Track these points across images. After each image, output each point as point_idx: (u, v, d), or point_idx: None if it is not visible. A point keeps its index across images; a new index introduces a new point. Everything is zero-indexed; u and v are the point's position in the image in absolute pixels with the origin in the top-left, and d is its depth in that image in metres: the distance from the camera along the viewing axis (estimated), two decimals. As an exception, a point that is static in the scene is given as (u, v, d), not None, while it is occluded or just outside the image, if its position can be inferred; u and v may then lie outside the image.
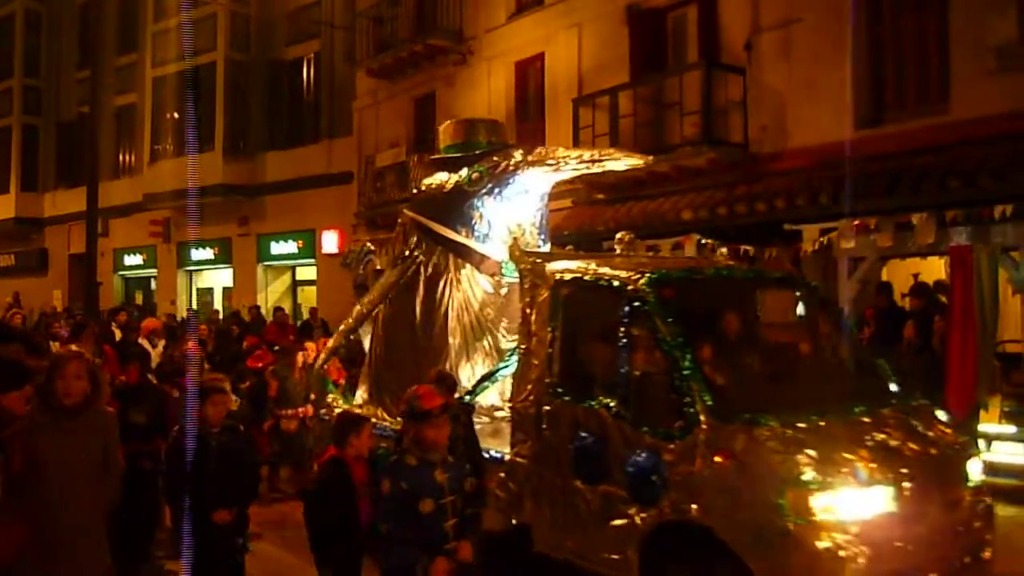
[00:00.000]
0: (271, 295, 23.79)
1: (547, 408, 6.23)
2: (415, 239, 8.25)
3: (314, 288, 22.77)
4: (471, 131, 8.66)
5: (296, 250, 22.93)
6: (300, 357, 10.49)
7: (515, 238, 7.25)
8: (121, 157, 27.93)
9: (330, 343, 9.37)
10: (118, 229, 27.04)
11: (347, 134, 21.27)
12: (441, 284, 7.88)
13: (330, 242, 21.47)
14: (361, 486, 5.22)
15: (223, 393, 5.80)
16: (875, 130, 11.54)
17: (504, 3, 17.38)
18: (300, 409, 10.03)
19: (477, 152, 8.14)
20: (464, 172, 7.92)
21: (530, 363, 6.46)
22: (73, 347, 4.83)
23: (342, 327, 8.98)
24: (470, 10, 17.95)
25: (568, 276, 6.47)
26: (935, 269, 10.94)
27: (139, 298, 27.85)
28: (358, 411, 7.86)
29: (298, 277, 24.12)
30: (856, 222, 10.28)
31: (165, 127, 24.57)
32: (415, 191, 8.74)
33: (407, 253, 8.29)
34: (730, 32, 13.39)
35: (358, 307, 8.81)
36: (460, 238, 7.85)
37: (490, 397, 7.72)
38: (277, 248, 23.41)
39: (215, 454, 5.55)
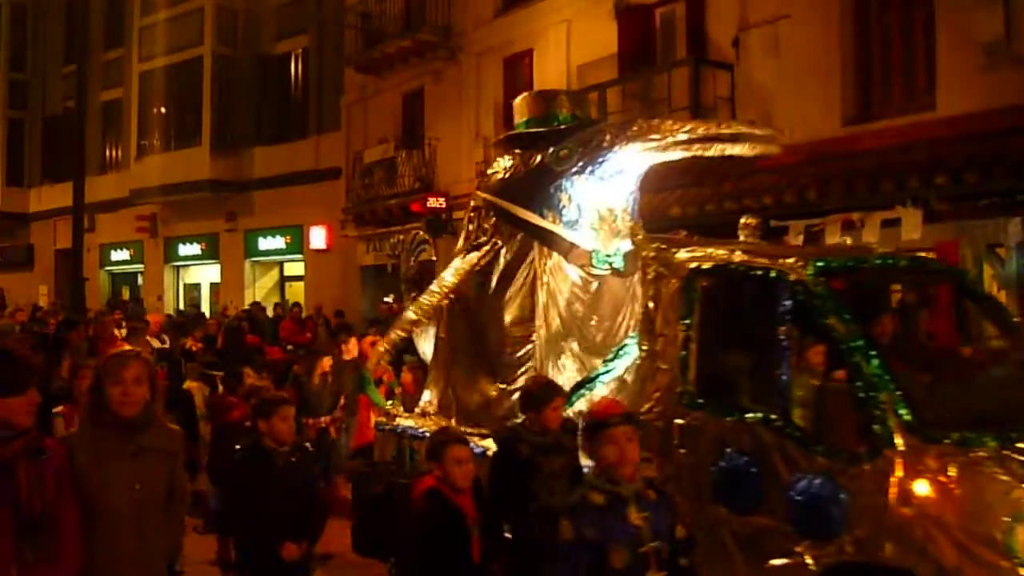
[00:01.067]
0: (259, 291, 23.74)
1: (680, 422, 5.26)
2: (491, 224, 7.11)
3: (302, 284, 22.73)
4: (552, 103, 7.42)
5: (284, 246, 22.88)
6: (325, 361, 9.42)
7: (635, 222, 6.37)
8: (107, 152, 27.81)
9: (384, 342, 8.12)
10: (104, 224, 26.91)
11: (335, 129, 21.22)
12: (523, 276, 6.81)
13: (318, 238, 21.43)
14: (472, 522, 4.46)
15: (290, 405, 5.11)
16: (862, 126, 11.56)
17: (492, -1, 17.38)
18: (323, 418, 9.25)
19: (562, 127, 7.08)
20: (551, 149, 6.81)
21: (654, 368, 5.49)
22: (126, 345, 4.24)
23: (402, 322, 7.75)
24: (458, 6, 17.93)
25: (707, 265, 5.45)
26: (921, 265, 10.99)
27: (126, 294, 27.75)
28: (422, 421, 7.13)
29: (286, 273, 24.08)
30: (842, 218, 10.31)
31: (152, 122, 24.50)
32: (488, 172, 7.63)
33: (483, 238, 7.16)
34: (718, 28, 13.39)
35: (424, 301, 7.47)
36: (546, 224, 6.72)
37: (578, 406, 6.45)
38: (265, 244, 23.34)
39: (281, 476, 4.91)
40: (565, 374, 6.47)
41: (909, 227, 9.86)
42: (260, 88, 23.31)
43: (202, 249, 24.98)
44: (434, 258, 8.78)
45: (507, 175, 7.12)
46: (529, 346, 6.67)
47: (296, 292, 22.91)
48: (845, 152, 11.18)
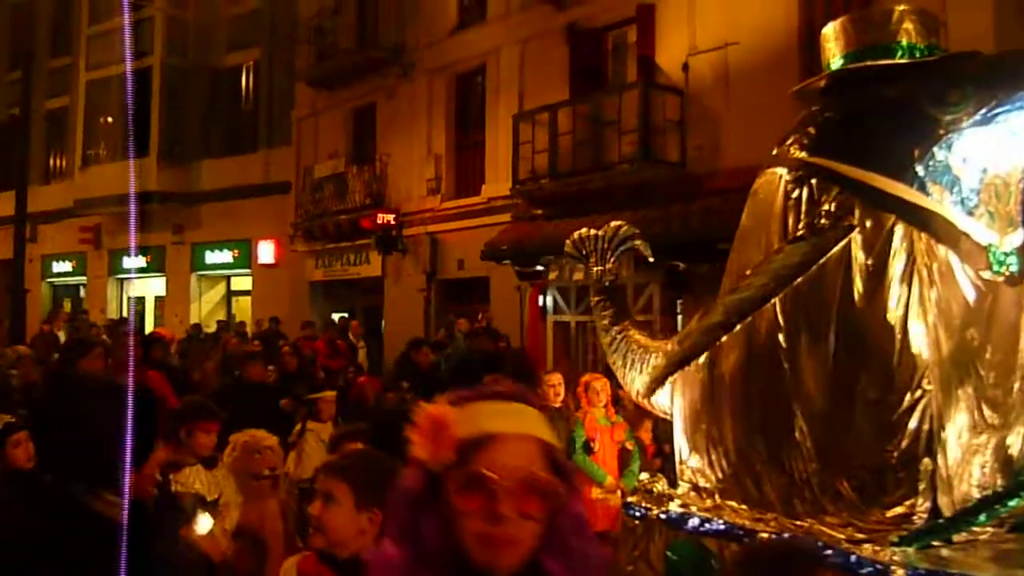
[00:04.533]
0: (205, 305, 23.47)
1: None
2: (834, 201, 4.43)
3: (249, 299, 22.52)
4: (889, 29, 4.64)
5: (231, 260, 22.66)
6: None
7: None
8: (52, 161, 27.33)
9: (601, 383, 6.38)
10: (47, 235, 26.42)
11: (285, 144, 21.11)
12: (897, 282, 4.23)
13: (266, 252, 21.29)
14: None
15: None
16: (807, 152, 11.80)
17: (446, 17, 17.45)
18: None
19: (924, 58, 4.50)
20: (931, 91, 4.32)
21: None
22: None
23: (657, 352, 5.13)
24: (412, 23, 17.98)
25: None
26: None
27: (67, 306, 27.23)
28: (703, 503, 4.65)
29: (233, 287, 23.83)
30: (787, 242, 10.47)
31: (98, 132, 24.15)
32: (805, 125, 4.88)
33: (821, 222, 4.45)
34: (668, 53, 13.60)
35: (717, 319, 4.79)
36: (931, 204, 4.23)
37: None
38: (212, 257, 23.09)
39: None
40: (961, 437, 4.11)
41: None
42: (210, 100, 23.09)
43: (147, 262, 24.63)
44: (649, 256, 6.45)
45: (846, 130, 4.67)
46: (913, 389, 4.17)
47: (243, 307, 22.70)
48: (790, 177, 11.40)
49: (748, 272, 4.46)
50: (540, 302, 14.29)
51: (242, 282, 23.17)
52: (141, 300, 26.07)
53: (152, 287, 25.54)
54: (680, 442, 4.88)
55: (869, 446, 4.16)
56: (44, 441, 2.76)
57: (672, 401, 4.94)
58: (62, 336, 14.30)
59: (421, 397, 8.70)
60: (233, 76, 22.80)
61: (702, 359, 4.73)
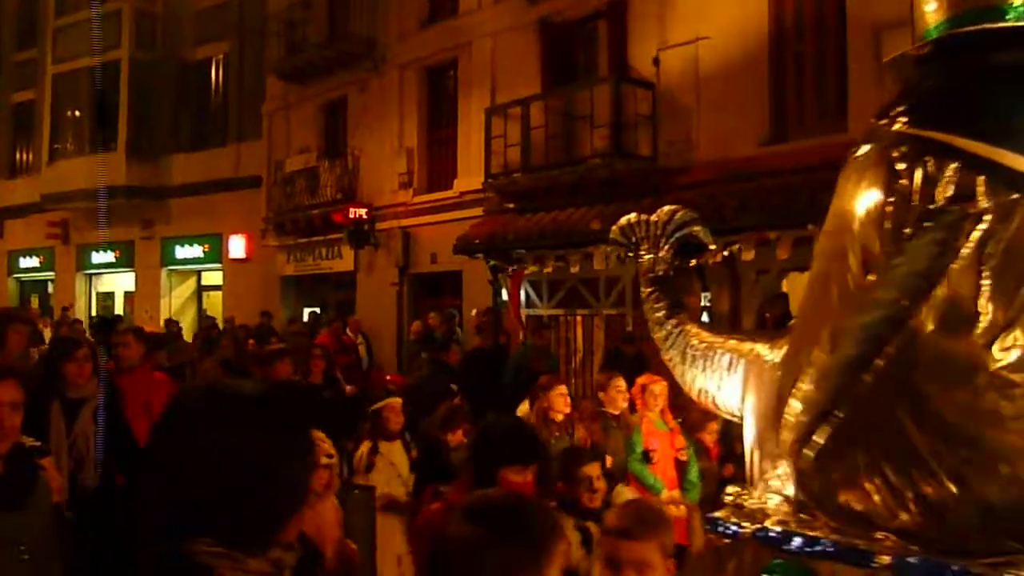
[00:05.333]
0: (175, 300, 23.31)
1: None
2: (955, 180, 3.22)
3: (220, 294, 22.38)
4: None
5: (202, 254, 22.50)
6: (557, 394, 6.20)
7: None
8: (18, 156, 27.05)
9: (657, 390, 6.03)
10: (14, 230, 26.17)
11: (256, 138, 20.97)
12: None
13: (237, 247, 21.14)
14: None
15: None
16: (778, 147, 11.89)
17: (418, 10, 17.39)
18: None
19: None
20: None
21: None
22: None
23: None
24: (383, 16, 17.91)
25: None
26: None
27: (35, 302, 26.96)
28: (788, 511, 3.70)
29: (204, 282, 23.66)
30: (757, 235, 10.57)
31: (65, 126, 23.89)
32: (902, 95, 3.60)
33: (936, 204, 3.18)
34: (639, 47, 13.64)
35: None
36: None
37: None
38: (182, 252, 22.93)
39: None
40: None
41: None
42: (179, 93, 22.93)
43: (116, 257, 24.42)
44: (712, 245, 5.15)
45: (958, 100, 3.68)
46: None
47: (214, 302, 22.56)
48: (761, 171, 11.48)
49: (870, 278, 3.20)
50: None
51: (213, 277, 23.01)
52: (110, 296, 25.84)
53: (121, 283, 25.33)
54: (754, 448, 3.99)
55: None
56: (163, 487, 1.73)
57: (743, 402, 4.23)
58: (47, 333, 14.12)
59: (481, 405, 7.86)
60: (202, 69, 22.61)
61: (777, 358, 3.81)
